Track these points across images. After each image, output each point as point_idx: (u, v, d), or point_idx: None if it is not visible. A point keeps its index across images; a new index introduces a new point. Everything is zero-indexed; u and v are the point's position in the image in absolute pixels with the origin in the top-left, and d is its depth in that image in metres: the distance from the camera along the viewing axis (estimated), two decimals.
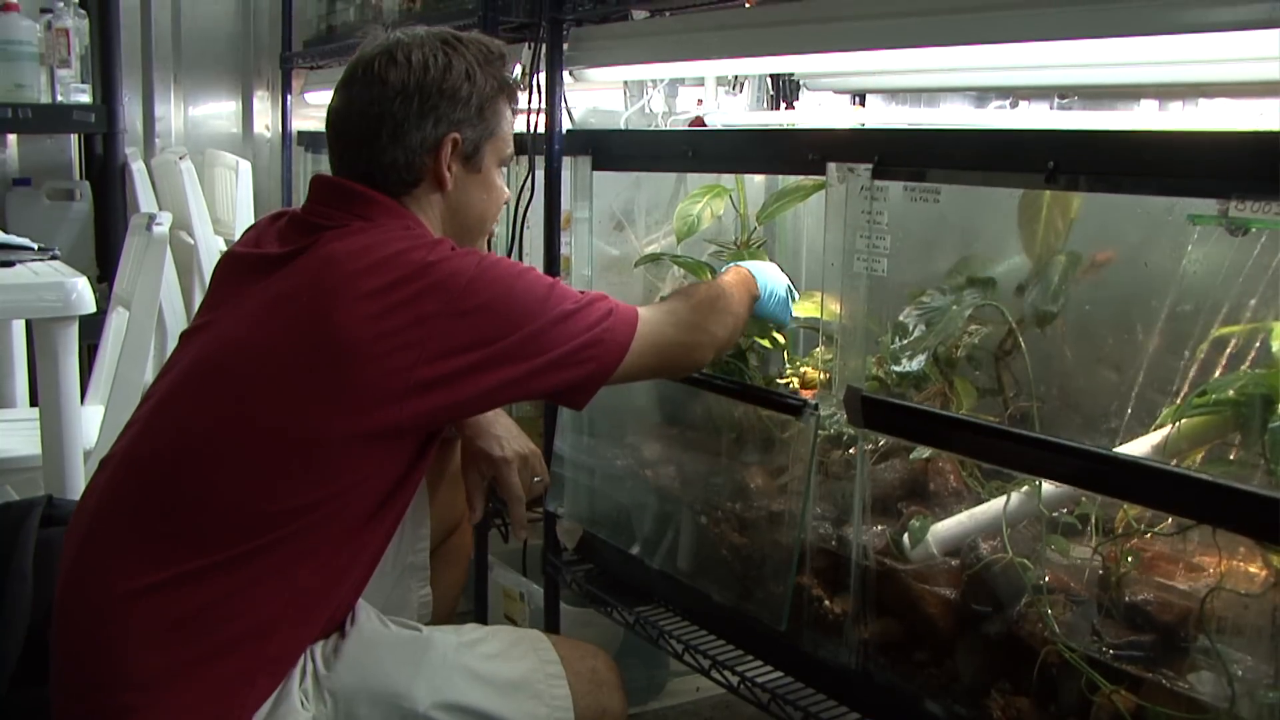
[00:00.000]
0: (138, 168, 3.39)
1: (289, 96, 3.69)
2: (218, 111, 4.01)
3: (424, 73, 1.38)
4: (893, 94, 2.38)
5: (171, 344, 2.90)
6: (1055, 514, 1.33)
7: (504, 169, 1.52)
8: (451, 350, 1.29)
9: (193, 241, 3.09)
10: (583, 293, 1.41)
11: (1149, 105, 2.06)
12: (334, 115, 1.44)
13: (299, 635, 1.33)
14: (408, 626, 1.47)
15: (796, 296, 1.73)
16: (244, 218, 3.14)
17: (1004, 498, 1.36)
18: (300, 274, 1.32)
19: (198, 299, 3.00)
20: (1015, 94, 2.18)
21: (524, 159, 2.15)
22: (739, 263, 1.72)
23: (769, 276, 1.70)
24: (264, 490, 1.27)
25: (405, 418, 1.28)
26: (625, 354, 1.40)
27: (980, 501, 1.42)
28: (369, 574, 1.42)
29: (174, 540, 1.27)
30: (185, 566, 1.25)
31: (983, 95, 2.27)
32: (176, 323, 2.98)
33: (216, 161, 3.41)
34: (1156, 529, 1.24)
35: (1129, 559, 1.25)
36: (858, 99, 2.38)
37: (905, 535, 1.44)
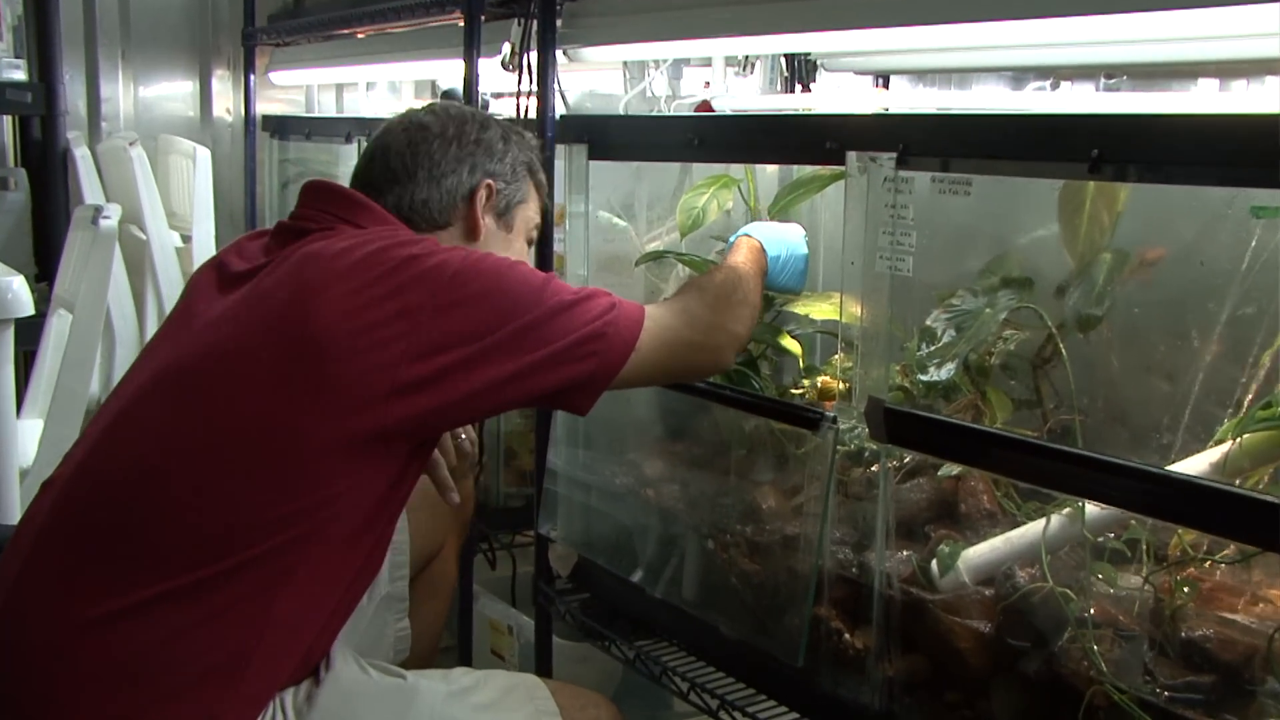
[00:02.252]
0: (81, 154, 3.36)
1: (252, 76, 3.66)
2: (172, 92, 3.98)
3: (462, 124, 1.51)
4: (919, 75, 2.37)
5: (120, 351, 2.92)
6: (1101, 539, 1.33)
7: (530, 247, 1.60)
8: (438, 345, 1.28)
9: (144, 237, 3.06)
10: (581, 288, 1.42)
11: (1208, 85, 2.05)
12: (367, 160, 1.52)
13: (271, 675, 1.31)
14: (390, 673, 1.45)
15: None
16: (202, 210, 3.12)
17: (1043, 521, 1.36)
18: (279, 272, 1.34)
19: (150, 301, 3.00)
20: (1056, 74, 2.18)
21: None
22: (747, 228, 1.70)
23: (783, 243, 1.68)
24: (236, 503, 1.26)
25: (391, 422, 1.28)
26: (631, 351, 1.39)
27: (1017, 525, 1.42)
28: (350, 607, 1.41)
29: (132, 563, 1.25)
30: (145, 593, 1.23)
31: (1020, 76, 2.27)
32: (126, 328, 2.97)
33: (171, 148, 3.39)
34: (1216, 557, 1.24)
35: (1185, 590, 1.24)
36: (881, 81, 2.38)
37: (933, 562, 1.44)
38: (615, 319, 1.39)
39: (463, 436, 1.70)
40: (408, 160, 1.48)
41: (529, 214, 1.58)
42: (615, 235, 2.08)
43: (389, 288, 1.28)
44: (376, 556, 1.41)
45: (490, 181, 1.50)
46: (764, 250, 1.66)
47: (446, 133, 1.50)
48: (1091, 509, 1.30)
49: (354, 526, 1.32)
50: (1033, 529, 1.38)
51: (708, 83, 2.42)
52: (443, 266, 1.31)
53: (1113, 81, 2.08)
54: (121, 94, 3.87)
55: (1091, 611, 1.28)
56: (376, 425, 1.27)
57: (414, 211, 1.48)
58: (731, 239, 1.71)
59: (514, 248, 1.55)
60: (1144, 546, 1.29)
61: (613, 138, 1.95)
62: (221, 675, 1.26)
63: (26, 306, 2.10)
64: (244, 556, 1.25)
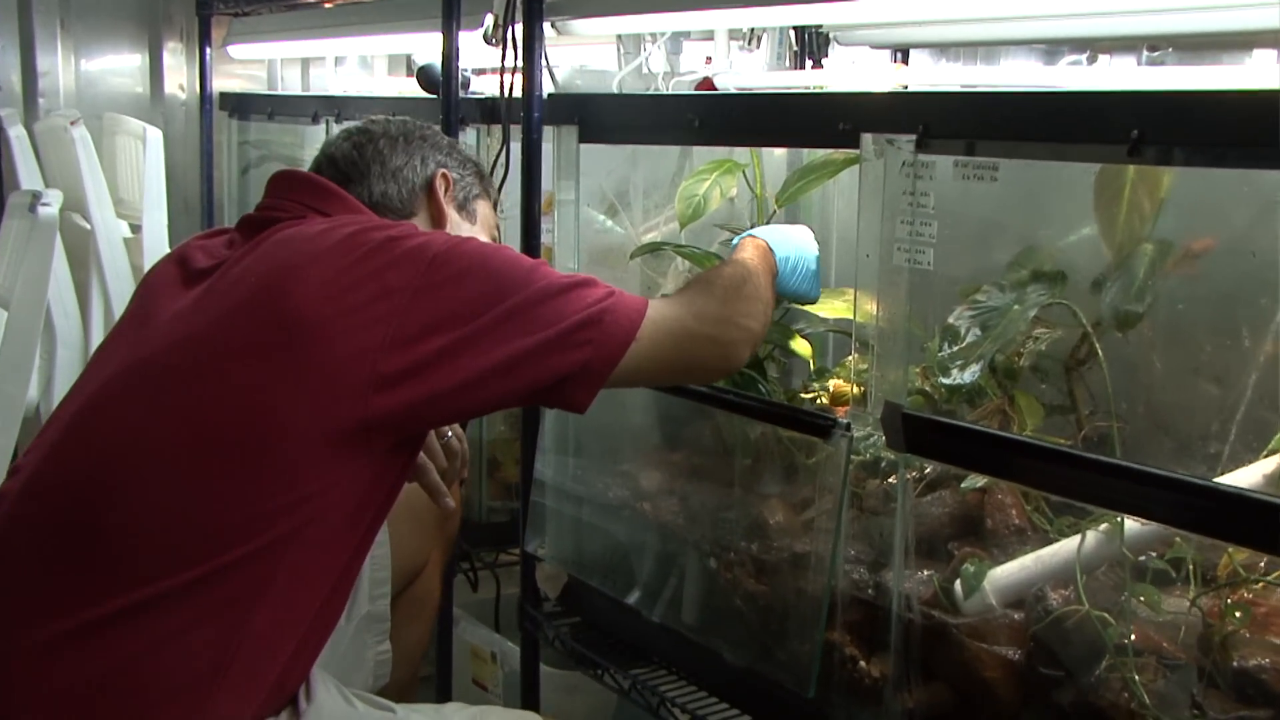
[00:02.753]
0: (16, 134, 3.33)
1: (208, 50, 3.63)
2: (118, 66, 3.96)
3: (404, 125, 1.60)
4: (941, 49, 2.37)
5: (62, 352, 2.91)
6: (1142, 558, 1.33)
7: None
8: (422, 330, 1.29)
9: (88, 226, 3.05)
10: (576, 274, 1.44)
11: (1264, 56, 2.04)
12: (315, 170, 1.57)
13: (244, 696, 1.31)
14: (377, 705, 1.46)
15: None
16: (153, 197, 3.10)
17: (1078, 538, 1.35)
18: (248, 259, 1.37)
19: (95, 297, 2.98)
20: (1093, 46, 2.17)
21: (496, 129, 2.13)
22: (752, 231, 1.70)
23: (791, 244, 1.68)
24: (209, 502, 1.26)
25: (373, 414, 1.28)
26: (630, 340, 1.38)
27: (1048, 542, 1.42)
28: (329, 624, 1.41)
29: (95, 574, 1.25)
30: (109, 606, 1.24)
31: (1053, 49, 2.27)
32: (69, 327, 2.96)
33: (118, 128, 3.36)
34: (1271, 578, 1.24)
35: (1237, 615, 1.24)
36: (899, 55, 2.37)
37: (957, 583, 1.44)
38: (613, 306, 1.38)
39: (449, 434, 1.71)
40: (356, 161, 1.54)
41: (487, 212, 1.64)
42: (607, 227, 2.08)
43: (369, 269, 1.30)
44: (356, 565, 1.41)
45: (445, 171, 1.57)
46: (772, 251, 1.65)
47: (390, 132, 1.57)
48: (1131, 525, 1.30)
49: (335, 528, 1.32)
50: (1066, 547, 1.37)
51: (709, 58, 2.42)
52: (425, 247, 1.33)
53: (1156, 54, 2.08)
54: (61, 67, 3.83)
55: (1132, 638, 1.28)
56: (358, 417, 1.28)
57: (375, 205, 1.52)
58: (735, 240, 1.70)
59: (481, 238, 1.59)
60: (1190, 566, 1.29)
61: (605, 119, 1.94)
62: (191, 695, 1.26)
63: None
64: (218, 562, 1.25)
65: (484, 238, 1.61)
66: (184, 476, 1.27)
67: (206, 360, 1.30)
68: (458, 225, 1.58)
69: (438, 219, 1.56)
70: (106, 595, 1.24)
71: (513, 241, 2.05)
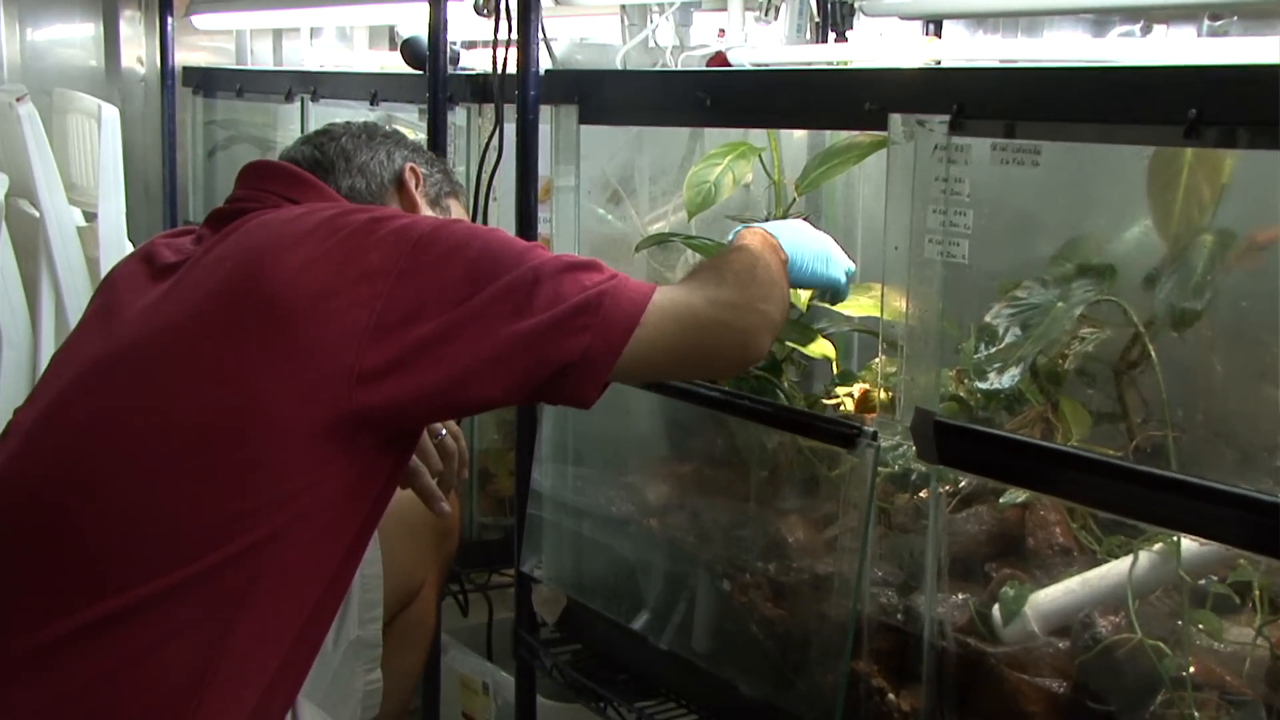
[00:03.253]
0: None
1: (170, 19, 3.61)
2: (69, 37, 3.95)
3: (366, 124, 1.67)
4: (978, 20, 2.37)
5: (8, 352, 2.91)
6: (1201, 582, 1.33)
7: None
8: (407, 315, 1.30)
9: (37, 214, 3.04)
10: (575, 255, 1.45)
11: None
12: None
13: (228, 718, 1.32)
14: None
15: (854, 271, 1.69)
16: (109, 182, 3.09)
17: (1129, 559, 1.35)
18: (222, 246, 1.39)
19: (45, 291, 2.97)
20: (1147, 15, 2.16)
21: (488, 108, 2.13)
22: (750, 224, 1.68)
23: (796, 238, 1.65)
24: (186, 501, 1.28)
25: (359, 407, 1.29)
26: (634, 325, 1.37)
27: (1097, 563, 1.42)
28: (316, 643, 1.41)
29: (61, 585, 1.26)
30: (75, 620, 1.24)
31: (1102, 19, 2.26)
32: (16, 324, 2.95)
33: (70, 105, 3.35)
34: None
35: None
36: (931, 27, 2.37)
37: (995, 607, 1.44)
38: (614, 289, 1.38)
39: (443, 432, 1.72)
40: (319, 160, 1.58)
41: (460, 211, 1.69)
42: (610, 216, 2.08)
43: (350, 251, 1.33)
44: (344, 577, 1.41)
45: (413, 165, 1.62)
46: (775, 238, 1.62)
47: (352, 130, 1.63)
48: (1189, 545, 1.30)
49: (320, 531, 1.33)
50: (1116, 569, 1.37)
51: (722, 30, 2.42)
52: (410, 228, 1.35)
53: (1219, 24, 2.07)
54: (4, 37, 3.82)
55: (1190, 670, 1.28)
56: (342, 409, 1.29)
57: (347, 200, 1.56)
58: (731, 235, 1.67)
59: None
60: (1255, 592, 1.29)
61: (608, 97, 1.94)
62: (166, 716, 1.27)
63: None
64: (195, 568, 1.26)
65: None
66: (157, 474, 1.28)
67: (179, 349, 1.32)
68: None
69: (412, 212, 1.58)
70: (72, 608, 1.25)
71: (508, 230, 2.05)
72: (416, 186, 1.61)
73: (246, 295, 1.31)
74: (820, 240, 1.66)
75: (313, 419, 1.29)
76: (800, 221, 1.71)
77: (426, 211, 1.61)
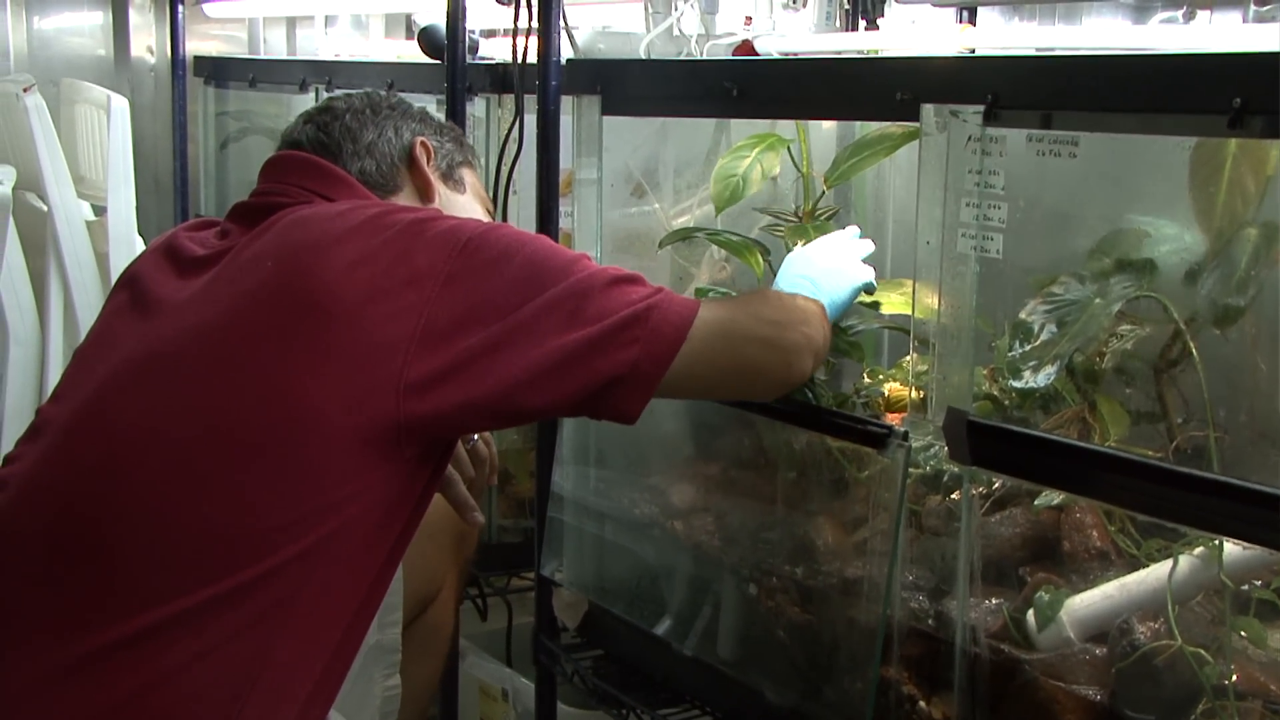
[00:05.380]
0: None
1: (180, 7, 3.65)
2: (77, 25, 3.97)
3: (368, 97, 1.64)
4: (1014, 6, 2.36)
5: (15, 350, 2.91)
6: (1244, 587, 1.32)
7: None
8: (455, 323, 1.32)
9: (45, 208, 3.06)
10: (620, 268, 1.44)
11: None
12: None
13: None
14: None
15: (874, 282, 1.69)
16: (119, 175, 3.10)
17: (1169, 563, 1.35)
18: (259, 243, 1.39)
19: (53, 287, 2.98)
20: (1191, 1, 2.15)
21: (508, 99, 2.13)
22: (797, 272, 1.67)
23: (827, 288, 1.64)
24: (228, 508, 1.28)
25: (406, 416, 1.30)
26: (682, 339, 1.39)
27: (1135, 568, 1.42)
28: (351, 655, 1.42)
29: (100, 596, 1.27)
30: (115, 632, 1.25)
31: (1143, 4, 2.25)
32: (23, 321, 2.96)
33: (78, 96, 3.37)
34: None
35: None
36: (965, 15, 2.36)
37: (1030, 613, 1.44)
38: (661, 302, 1.40)
39: (475, 438, 1.73)
40: (325, 143, 1.57)
41: (475, 181, 1.69)
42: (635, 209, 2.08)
43: (396, 252, 1.34)
44: (380, 589, 1.43)
45: (423, 139, 1.61)
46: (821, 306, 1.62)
47: (355, 106, 1.61)
48: (1231, 549, 1.30)
49: (361, 543, 1.34)
50: (1155, 574, 1.37)
51: (749, 18, 2.42)
52: (457, 230, 1.36)
53: (1266, 9, 2.05)
54: (10, 26, 3.84)
55: (1233, 679, 1.28)
56: (389, 416, 1.30)
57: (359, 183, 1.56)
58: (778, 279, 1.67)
59: (473, 211, 1.64)
60: None
61: (631, 87, 1.95)
62: None
63: None
64: (238, 579, 1.27)
65: (478, 208, 1.65)
66: (201, 480, 1.29)
67: (223, 350, 1.33)
68: (447, 198, 1.62)
69: (425, 191, 1.59)
70: (111, 620, 1.26)
71: (526, 226, 2.06)
72: (428, 162, 1.61)
73: (290, 295, 1.32)
74: (848, 280, 1.66)
75: (359, 426, 1.29)
76: (800, 254, 1.69)
77: (440, 188, 1.61)
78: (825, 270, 1.63)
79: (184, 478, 1.29)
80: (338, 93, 1.67)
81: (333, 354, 1.29)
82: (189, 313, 1.37)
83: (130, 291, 1.47)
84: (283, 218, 1.41)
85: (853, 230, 1.73)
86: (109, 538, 1.29)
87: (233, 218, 1.49)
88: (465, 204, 1.64)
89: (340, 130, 1.57)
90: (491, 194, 2.19)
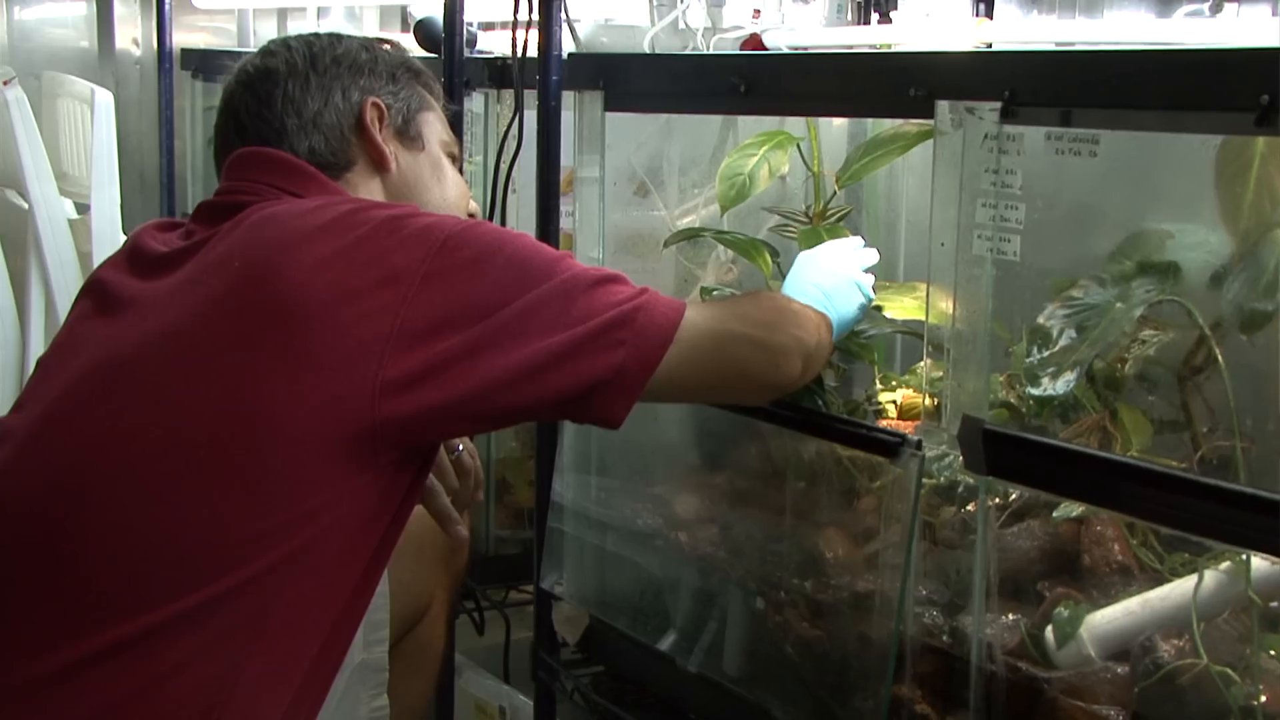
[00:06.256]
0: None
1: None
2: (60, 16, 3.98)
3: (310, 48, 1.56)
4: None
5: None
6: (1273, 604, 1.32)
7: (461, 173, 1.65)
8: (434, 323, 1.31)
9: (26, 205, 3.06)
10: (603, 268, 1.44)
11: None
12: (224, 133, 1.58)
13: None
14: None
15: (871, 294, 1.69)
16: (103, 172, 3.11)
17: (1193, 578, 1.35)
18: (227, 241, 1.38)
19: (34, 287, 3.00)
20: None
21: (507, 94, 2.13)
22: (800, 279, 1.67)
23: (839, 303, 1.65)
24: (196, 520, 1.27)
25: (382, 420, 1.29)
26: (669, 341, 1.39)
27: (1158, 583, 1.42)
28: (330, 675, 1.41)
29: (69, 608, 1.26)
30: (77, 651, 1.24)
31: None
32: (4, 321, 2.99)
33: (60, 90, 3.38)
34: None
35: None
36: (982, 7, 2.36)
37: (1048, 629, 1.44)
38: (647, 303, 1.39)
39: (459, 448, 1.72)
40: (267, 118, 1.52)
41: (435, 125, 1.62)
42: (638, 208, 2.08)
43: (371, 251, 1.32)
44: (359, 605, 1.42)
45: (374, 99, 1.55)
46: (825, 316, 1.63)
47: (296, 66, 1.54)
48: (1259, 564, 1.30)
49: (336, 555, 1.34)
50: (1180, 589, 1.37)
51: (757, 11, 2.42)
52: (434, 228, 1.35)
53: None
54: None
55: (1262, 699, 1.27)
56: (364, 422, 1.29)
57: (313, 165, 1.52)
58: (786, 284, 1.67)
59: (444, 171, 1.61)
60: None
61: (635, 82, 1.95)
62: None
63: None
64: (207, 594, 1.26)
65: (445, 164, 1.61)
66: (164, 495, 1.28)
67: (186, 358, 1.32)
68: (408, 160, 1.56)
69: (379, 161, 1.54)
70: (77, 635, 1.25)
71: (526, 226, 2.06)
72: (381, 126, 1.54)
73: (258, 298, 1.31)
74: (838, 280, 1.66)
75: (332, 433, 1.29)
76: (811, 261, 1.69)
77: (399, 153, 1.56)
78: (836, 286, 1.64)
79: (148, 488, 1.28)
80: (275, 39, 1.61)
81: (302, 357, 1.28)
82: (154, 316, 1.36)
83: (93, 297, 1.47)
84: (250, 215, 1.40)
85: (857, 241, 1.74)
86: (70, 552, 1.28)
87: (197, 217, 1.48)
88: (432, 162, 1.60)
89: (282, 102, 1.52)
90: (490, 193, 2.19)
